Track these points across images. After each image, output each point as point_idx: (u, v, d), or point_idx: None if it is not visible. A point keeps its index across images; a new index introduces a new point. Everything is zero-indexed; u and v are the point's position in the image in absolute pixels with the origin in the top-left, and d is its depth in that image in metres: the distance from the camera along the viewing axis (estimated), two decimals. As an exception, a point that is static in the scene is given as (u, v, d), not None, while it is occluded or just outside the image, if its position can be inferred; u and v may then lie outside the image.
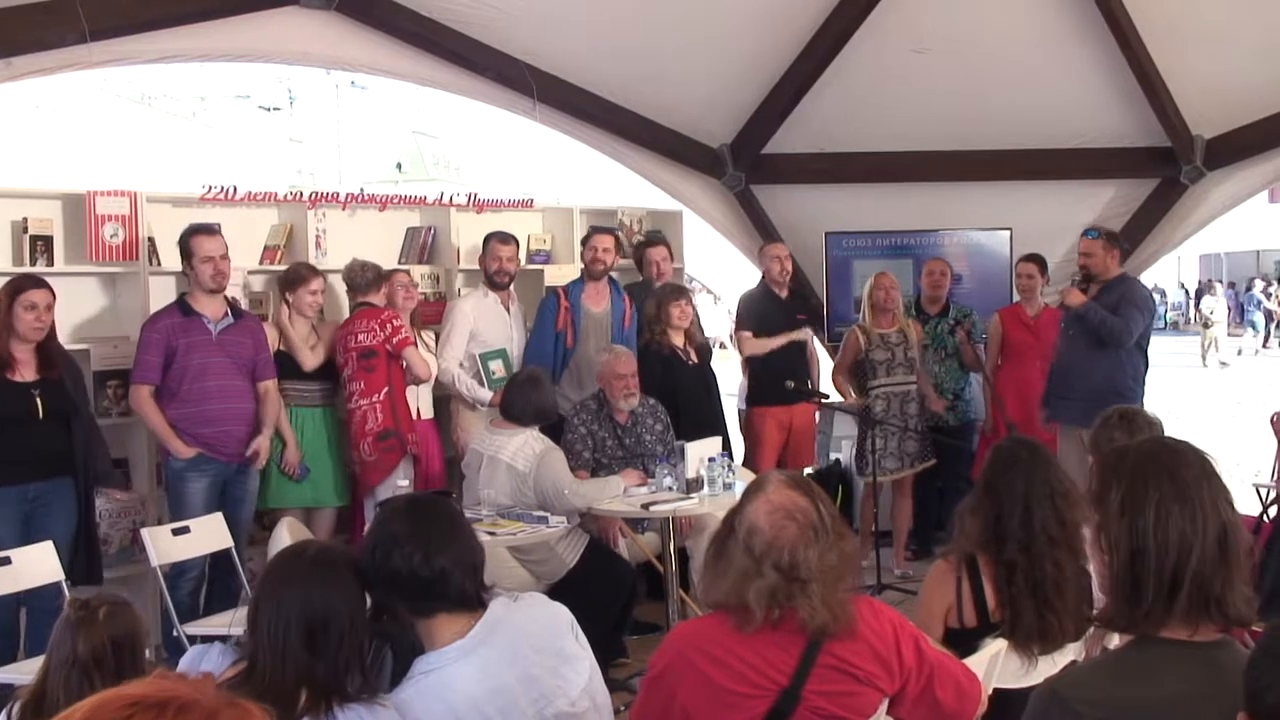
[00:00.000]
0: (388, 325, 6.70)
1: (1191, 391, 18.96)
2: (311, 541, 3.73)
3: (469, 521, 3.30)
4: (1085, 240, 7.38)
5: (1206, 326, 27.03)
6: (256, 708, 1.48)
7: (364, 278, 6.91)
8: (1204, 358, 25.81)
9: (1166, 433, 4.31)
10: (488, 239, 7.51)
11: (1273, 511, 6.21)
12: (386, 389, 6.71)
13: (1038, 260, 8.15)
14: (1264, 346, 30.64)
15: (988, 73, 7.90)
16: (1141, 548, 2.14)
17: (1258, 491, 6.95)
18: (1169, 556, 2.13)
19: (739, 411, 8.62)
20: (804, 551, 2.89)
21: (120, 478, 6.28)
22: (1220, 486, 2.20)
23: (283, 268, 7.20)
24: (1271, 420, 6.57)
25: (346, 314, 7.28)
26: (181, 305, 6.25)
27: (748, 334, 8.14)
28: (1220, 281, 40.87)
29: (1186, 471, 2.18)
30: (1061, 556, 3.74)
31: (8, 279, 5.82)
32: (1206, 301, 28.40)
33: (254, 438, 6.40)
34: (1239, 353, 27.78)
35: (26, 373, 5.66)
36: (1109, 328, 7.02)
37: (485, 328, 7.37)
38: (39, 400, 5.64)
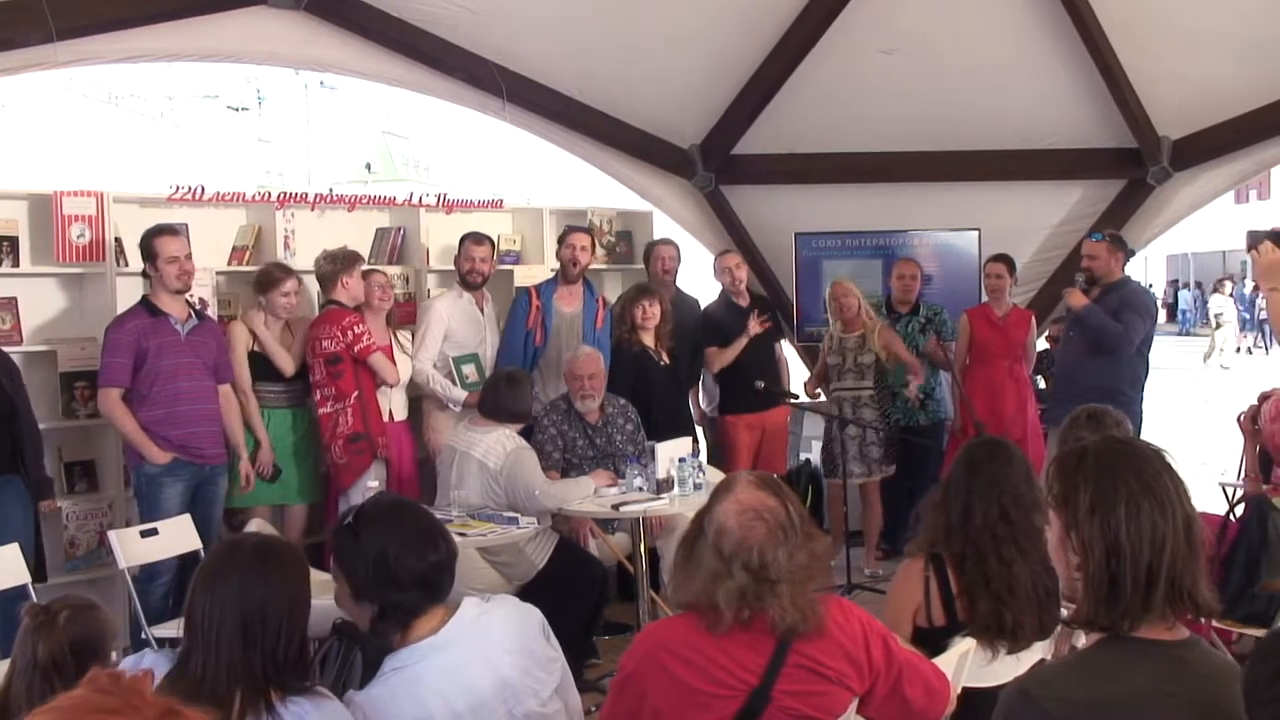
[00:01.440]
0: (349, 332, 6.64)
1: (1185, 393, 19.04)
2: (250, 534, 3.71)
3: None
4: (1089, 243, 7.46)
5: (1217, 328, 26.79)
6: (197, 713, 1.47)
7: (322, 270, 6.86)
8: (1206, 358, 25.58)
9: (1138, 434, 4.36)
10: (463, 239, 7.51)
11: (1239, 510, 6.24)
12: (356, 393, 6.68)
13: (1006, 260, 8.18)
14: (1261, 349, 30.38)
15: (956, 74, 7.92)
16: (1115, 545, 2.16)
17: (1224, 491, 6.98)
18: (1144, 551, 2.15)
19: (708, 419, 8.61)
20: (773, 552, 2.90)
21: (49, 489, 6.11)
22: (1179, 479, 2.23)
23: (252, 268, 7.17)
24: (1238, 420, 6.60)
25: (317, 311, 7.25)
26: (148, 306, 6.18)
27: (714, 349, 8.15)
28: (1190, 283, 41.21)
29: (1147, 466, 2.21)
30: (1007, 553, 3.76)
31: None
32: (1216, 301, 28.08)
33: (223, 439, 6.39)
34: (1249, 352, 27.45)
35: None
36: (1108, 333, 7.05)
37: (459, 328, 7.37)
38: None
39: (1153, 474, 2.21)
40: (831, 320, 8.14)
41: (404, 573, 2.98)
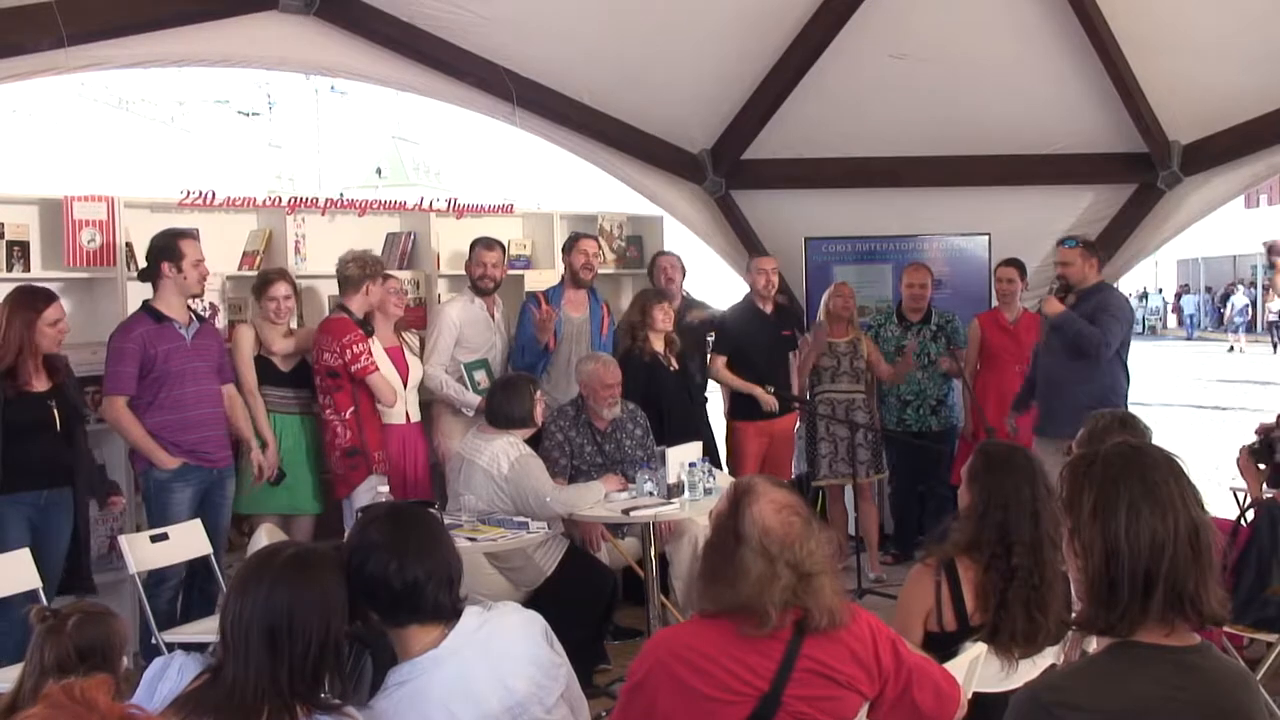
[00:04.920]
0: (347, 351, 6.54)
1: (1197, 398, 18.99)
2: (291, 542, 3.69)
3: (449, 531, 3.28)
4: (1063, 249, 7.37)
5: None
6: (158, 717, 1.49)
7: (348, 273, 6.80)
8: None
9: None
10: (473, 245, 7.51)
11: (1250, 516, 6.19)
12: (353, 407, 6.63)
13: (1017, 265, 8.18)
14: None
15: (966, 79, 7.91)
16: (1114, 549, 2.17)
17: (1235, 496, 6.96)
18: (1142, 557, 2.16)
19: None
20: (807, 544, 2.94)
21: (113, 484, 6.19)
22: (1189, 486, 2.23)
23: (262, 273, 7.18)
24: (1238, 459, 6.40)
25: (326, 314, 7.24)
26: (151, 312, 6.16)
27: (722, 360, 8.14)
28: (1200, 287, 41.13)
29: (1155, 472, 2.21)
30: (1058, 559, 3.74)
31: (15, 291, 5.75)
32: None
33: (229, 442, 6.40)
34: None
35: (39, 383, 5.65)
36: (1086, 337, 7.01)
37: (471, 334, 7.36)
38: (55, 410, 5.64)
39: (1158, 479, 2.21)
40: (825, 322, 8.14)
41: (377, 583, 2.96)
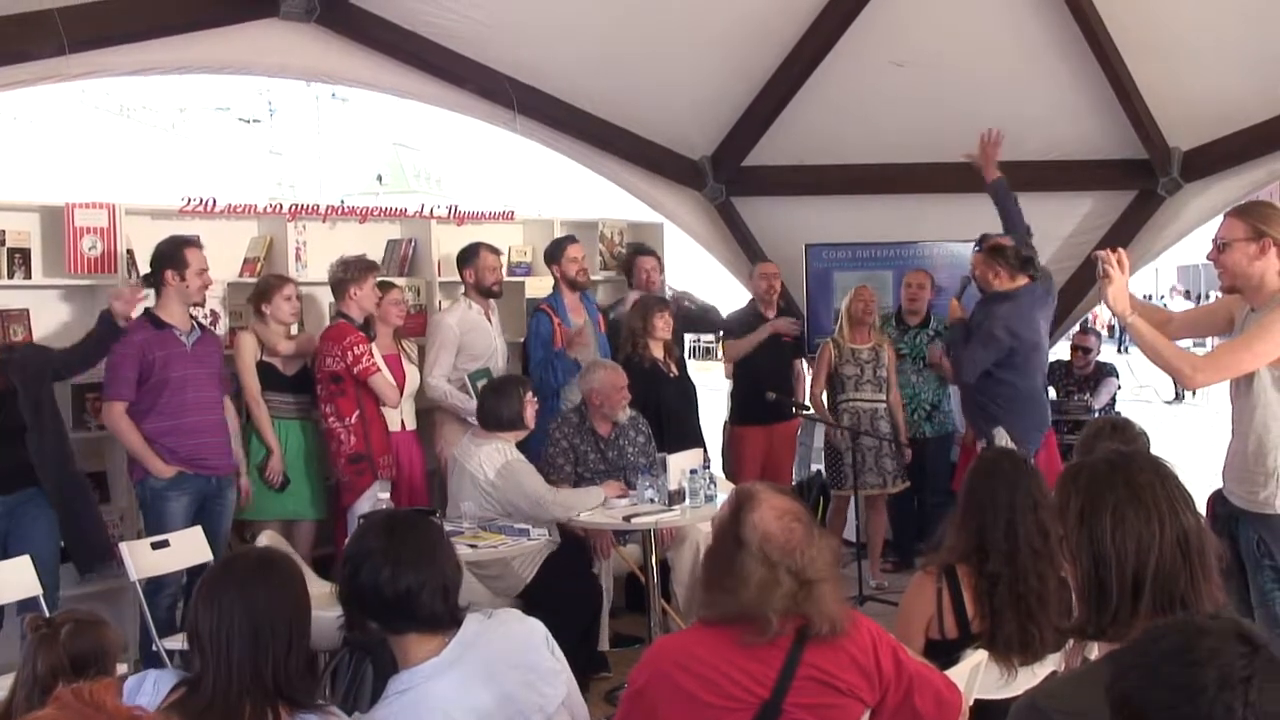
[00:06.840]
0: (349, 353, 6.58)
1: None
2: (249, 548, 3.71)
3: (449, 540, 3.28)
4: (972, 253, 7.27)
5: None
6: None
7: (334, 277, 6.85)
8: None
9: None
10: (477, 250, 7.49)
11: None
12: (357, 412, 6.65)
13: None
14: None
15: (966, 86, 7.90)
16: (1101, 554, 2.20)
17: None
18: (1128, 561, 2.18)
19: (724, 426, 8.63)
20: (809, 551, 2.94)
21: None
22: (1178, 490, 2.25)
23: (263, 279, 7.19)
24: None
25: (327, 322, 7.25)
26: (151, 318, 6.16)
27: (730, 342, 8.17)
28: (1200, 294, 41.05)
29: (1141, 477, 2.24)
30: (1044, 569, 3.74)
31: None
32: None
33: (230, 449, 6.39)
34: None
35: None
36: (953, 358, 6.97)
37: (472, 340, 7.37)
38: None
39: (1143, 484, 2.23)
40: (846, 326, 8.12)
41: (342, 583, 2.97)
